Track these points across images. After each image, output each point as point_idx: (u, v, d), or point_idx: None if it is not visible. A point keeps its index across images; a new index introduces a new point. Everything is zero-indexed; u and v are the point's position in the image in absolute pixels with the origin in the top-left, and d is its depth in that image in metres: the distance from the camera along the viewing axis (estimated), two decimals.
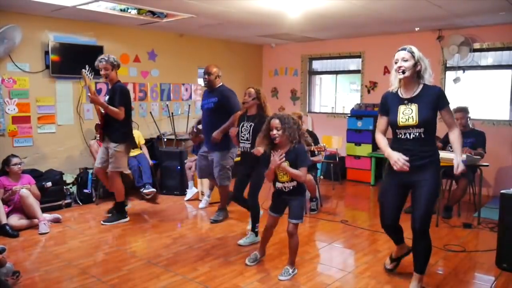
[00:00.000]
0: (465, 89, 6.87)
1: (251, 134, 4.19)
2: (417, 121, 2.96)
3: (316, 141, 5.59)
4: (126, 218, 5.11)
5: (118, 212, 5.12)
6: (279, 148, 3.40)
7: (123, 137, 4.91)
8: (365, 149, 7.42)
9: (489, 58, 6.79)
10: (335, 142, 7.34)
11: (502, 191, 3.81)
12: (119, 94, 4.79)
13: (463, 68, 6.79)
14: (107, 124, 4.86)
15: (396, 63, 2.99)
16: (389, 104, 3.13)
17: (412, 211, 3.10)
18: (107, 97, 4.91)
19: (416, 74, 2.98)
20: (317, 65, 8.96)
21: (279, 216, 3.66)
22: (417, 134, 2.99)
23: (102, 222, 5.01)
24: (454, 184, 5.71)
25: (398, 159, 2.98)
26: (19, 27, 5.40)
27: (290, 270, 3.56)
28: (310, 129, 7.10)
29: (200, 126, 5.43)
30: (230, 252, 4.14)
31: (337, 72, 8.68)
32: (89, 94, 4.67)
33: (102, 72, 4.81)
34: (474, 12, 5.54)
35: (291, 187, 3.47)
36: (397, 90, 3.10)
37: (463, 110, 5.57)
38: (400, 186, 3.15)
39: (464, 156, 4.77)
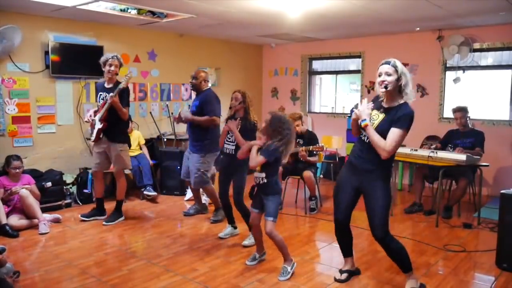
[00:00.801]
0: (465, 89, 6.86)
1: None
2: (374, 128, 3.01)
3: (315, 141, 5.60)
4: (123, 217, 5.19)
5: (117, 211, 5.15)
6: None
7: (126, 137, 5.10)
8: None
9: (489, 58, 6.78)
10: (335, 142, 7.33)
11: (502, 191, 3.81)
12: (127, 95, 4.91)
13: (463, 68, 6.79)
14: (110, 126, 4.86)
15: (379, 76, 3.01)
16: (374, 104, 3.19)
17: (369, 220, 3.14)
18: (102, 95, 4.92)
19: (398, 88, 3.00)
20: (317, 65, 8.96)
21: (259, 212, 3.67)
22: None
23: (103, 223, 5.00)
24: (454, 184, 5.71)
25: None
26: (19, 28, 5.39)
27: (288, 268, 3.57)
28: (310, 129, 7.10)
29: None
30: (230, 252, 4.15)
31: (337, 72, 8.68)
32: (112, 95, 4.70)
33: (111, 68, 4.84)
34: (474, 12, 5.54)
35: (260, 179, 3.52)
36: (383, 100, 3.13)
37: (462, 110, 5.58)
38: (351, 187, 3.23)
39: (464, 156, 4.78)
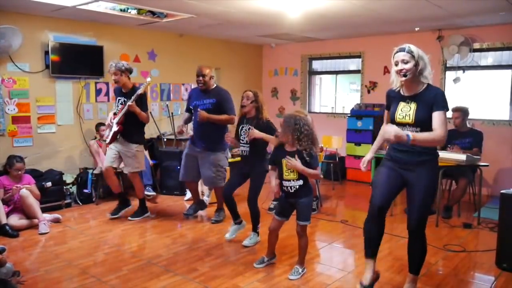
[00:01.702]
0: (465, 89, 6.87)
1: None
2: (413, 120, 2.91)
3: (315, 141, 5.59)
4: (148, 212, 5.34)
5: (142, 208, 5.29)
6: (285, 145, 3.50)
7: (143, 138, 5.23)
8: (365, 149, 7.42)
9: (489, 58, 6.79)
10: (335, 142, 7.33)
11: (502, 191, 3.81)
12: (145, 100, 5.04)
13: (463, 68, 6.79)
14: (126, 127, 4.94)
15: (396, 65, 2.90)
16: (391, 99, 3.11)
17: (408, 211, 3.06)
18: (120, 100, 5.01)
19: (417, 73, 2.90)
20: (317, 65, 8.96)
21: (285, 220, 3.66)
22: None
23: (129, 218, 5.17)
24: (454, 184, 5.71)
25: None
26: (19, 30, 5.40)
27: (300, 270, 3.58)
28: None
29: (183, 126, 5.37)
30: (230, 252, 4.14)
31: (337, 72, 8.68)
32: (129, 103, 4.80)
33: (112, 78, 4.95)
34: (474, 12, 5.54)
35: (297, 186, 3.46)
36: (399, 90, 3.05)
37: (460, 110, 5.58)
38: (397, 174, 3.05)
39: (464, 156, 4.78)
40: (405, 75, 2.86)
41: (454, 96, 6.91)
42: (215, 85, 4.97)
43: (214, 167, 4.85)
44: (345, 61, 8.53)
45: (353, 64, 8.39)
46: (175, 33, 7.44)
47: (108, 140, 5.03)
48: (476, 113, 6.27)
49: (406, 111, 2.95)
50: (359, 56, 8.00)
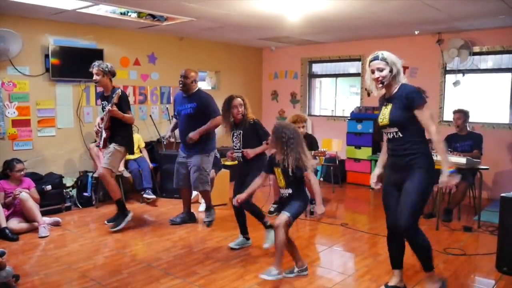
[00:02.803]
0: (465, 92, 6.87)
1: (241, 141, 4.21)
2: (388, 121, 3.01)
3: (315, 145, 5.60)
4: (130, 213, 4.99)
5: (120, 211, 4.98)
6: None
7: (127, 141, 4.97)
8: (365, 152, 7.42)
9: (489, 61, 6.79)
10: (335, 145, 7.33)
11: (502, 195, 3.81)
12: (124, 100, 4.84)
13: (463, 72, 6.80)
14: (113, 131, 4.82)
15: (372, 72, 3.01)
16: (379, 105, 3.22)
17: (398, 213, 3.05)
18: (103, 104, 4.89)
19: (392, 78, 3.02)
20: (317, 68, 8.97)
21: None
22: (394, 133, 3.04)
23: (111, 229, 4.86)
24: (454, 187, 5.70)
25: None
26: (19, 36, 5.40)
27: (273, 271, 3.31)
28: (310, 132, 7.10)
29: (170, 137, 5.38)
30: (230, 255, 4.14)
31: (337, 75, 8.69)
32: (109, 107, 4.64)
33: (93, 78, 4.83)
34: (473, 16, 5.55)
35: (287, 194, 3.47)
36: (385, 93, 3.16)
37: (462, 112, 5.62)
38: (395, 186, 3.13)
39: (464, 160, 4.78)
40: (382, 83, 3.00)
41: (454, 99, 6.92)
42: (197, 88, 4.99)
43: (197, 170, 4.85)
44: (345, 64, 8.53)
45: (353, 67, 8.40)
46: (175, 36, 7.45)
47: (101, 146, 4.90)
48: (476, 116, 6.27)
49: (384, 113, 3.07)
50: (359, 59, 8.00)
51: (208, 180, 4.96)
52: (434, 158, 3.10)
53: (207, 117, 4.84)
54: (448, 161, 3.02)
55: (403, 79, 3.04)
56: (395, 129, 3.02)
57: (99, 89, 4.88)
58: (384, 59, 2.96)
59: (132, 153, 5.31)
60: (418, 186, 2.98)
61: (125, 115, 4.78)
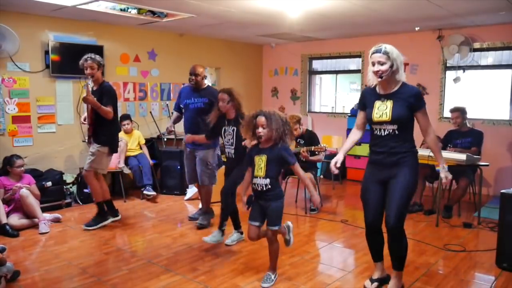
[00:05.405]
0: (465, 88, 6.86)
1: (235, 138, 4.12)
2: (390, 117, 2.98)
3: (316, 141, 5.59)
4: (110, 219, 4.92)
5: (100, 214, 4.87)
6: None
7: (111, 140, 4.78)
8: (365, 149, 7.39)
9: (489, 57, 6.78)
10: (335, 141, 7.34)
11: (502, 191, 3.82)
12: (108, 94, 4.65)
13: (463, 68, 6.79)
14: (96, 127, 4.68)
15: (373, 65, 2.97)
16: (367, 99, 3.17)
17: (386, 209, 3.07)
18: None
19: (392, 73, 2.98)
20: (317, 64, 8.96)
21: (259, 226, 3.37)
22: (391, 130, 3.02)
23: (84, 226, 4.79)
24: (454, 184, 5.71)
25: (332, 164, 3.21)
26: (17, 37, 5.40)
27: (272, 276, 3.44)
28: (310, 129, 7.10)
29: (171, 127, 5.36)
30: (230, 252, 4.14)
31: (337, 72, 8.68)
32: (84, 95, 4.48)
33: (87, 71, 4.59)
34: (474, 12, 5.54)
35: (263, 186, 3.25)
36: (375, 86, 3.12)
37: (459, 110, 5.61)
38: (378, 183, 3.13)
39: (464, 156, 4.78)
40: (381, 77, 2.96)
41: (455, 95, 6.92)
42: (206, 84, 5.01)
43: (202, 165, 4.84)
44: (345, 61, 8.52)
45: (353, 63, 8.39)
46: (175, 32, 7.44)
47: (87, 140, 4.85)
48: (476, 112, 6.26)
49: (382, 109, 3.02)
50: (359, 56, 7.99)
51: (215, 174, 4.95)
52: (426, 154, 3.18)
53: None
54: (441, 157, 3.08)
55: (402, 76, 3.01)
56: (394, 126, 2.99)
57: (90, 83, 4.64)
58: (386, 53, 2.92)
59: (115, 151, 4.97)
60: (408, 183, 3.01)
61: (102, 107, 4.52)
